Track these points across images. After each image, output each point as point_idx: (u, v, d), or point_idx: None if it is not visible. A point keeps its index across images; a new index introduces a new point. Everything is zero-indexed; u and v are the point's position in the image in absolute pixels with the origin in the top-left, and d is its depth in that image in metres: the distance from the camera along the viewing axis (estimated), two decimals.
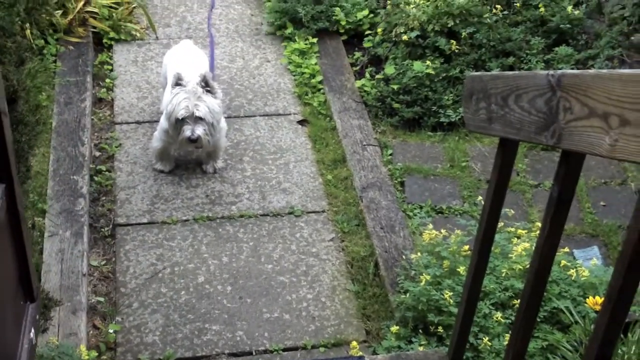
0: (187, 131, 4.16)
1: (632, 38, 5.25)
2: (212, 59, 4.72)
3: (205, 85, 4.17)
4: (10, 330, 2.19)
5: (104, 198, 4.32)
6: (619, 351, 2.67)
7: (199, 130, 4.15)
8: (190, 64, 4.45)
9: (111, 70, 5.32)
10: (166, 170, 4.48)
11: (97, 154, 4.61)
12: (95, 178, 4.41)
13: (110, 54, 5.48)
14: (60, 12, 5.29)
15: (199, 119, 4.15)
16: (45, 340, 3.22)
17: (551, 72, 1.88)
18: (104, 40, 5.54)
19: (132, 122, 4.87)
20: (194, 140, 4.17)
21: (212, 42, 4.86)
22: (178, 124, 4.17)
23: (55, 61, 5.16)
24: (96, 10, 5.50)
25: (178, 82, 4.16)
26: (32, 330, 2.34)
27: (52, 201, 4.12)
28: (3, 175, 2.10)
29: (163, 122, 4.32)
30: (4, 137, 2.05)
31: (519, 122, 2.11)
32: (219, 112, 4.26)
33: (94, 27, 5.51)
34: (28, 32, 4.86)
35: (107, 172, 4.47)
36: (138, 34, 5.64)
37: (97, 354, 3.42)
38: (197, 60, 4.59)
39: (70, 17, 5.34)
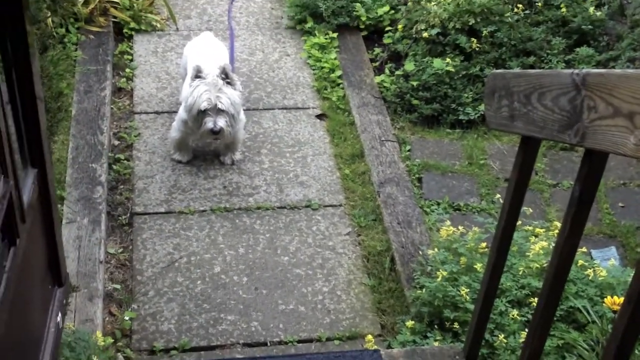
0: (209, 123, 4.17)
1: None
2: (232, 51, 4.73)
3: (225, 77, 4.18)
4: (38, 314, 2.21)
5: (122, 186, 4.34)
6: (636, 351, 2.67)
7: (221, 122, 4.17)
8: (210, 56, 4.46)
9: (131, 60, 5.34)
10: (184, 161, 4.50)
11: (116, 142, 4.64)
12: (114, 167, 4.43)
13: (130, 44, 5.50)
14: (81, 1, 5.31)
15: (220, 111, 4.17)
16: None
17: (576, 70, 1.88)
18: (125, 30, 5.56)
19: (151, 112, 4.89)
20: (216, 132, 4.18)
21: (232, 34, 4.88)
22: (199, 115, 4.18)
23: (76, 50, 5.18)
24: (117, 0, 5.52)
25: (198, 75, 4.17)
26: (59, 315, 2.36)
27: (70, 188, 4.14)
28: (36, 161, 2.12)
29: (182, 113, 4.34)
30: (38, 122, 2.07)
31: (542, 120, 2.11)
32: (240, 103, 4.27)
33: (115, 17, 5.54)
34: (50, 20, 4.89)
35: (125, 161, 4.50)
36: (158, 25, 5.66)
37: (112, 340, 3.44)
38: (217, 52, 4.60)
39: (91, 6, 5.36)
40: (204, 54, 4.50)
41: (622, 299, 1.90)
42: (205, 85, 4.15)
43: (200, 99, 4.14)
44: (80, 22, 5.34)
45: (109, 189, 4.27)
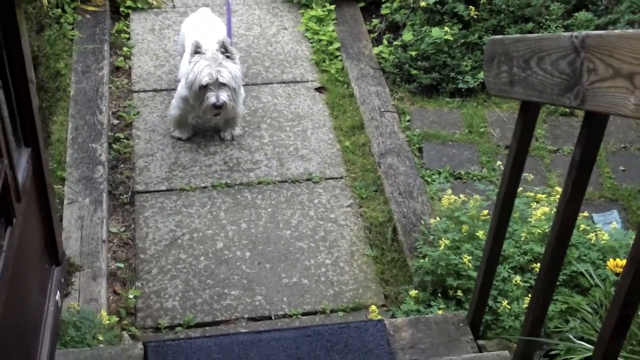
0: (211, 97, 4.15)
1: None
2: (230, 26, 4.71)
3: (225, 51, 4.17)
4: (36, 293, 2.22)
5: (122, 165, 4.34)
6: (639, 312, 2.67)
7: (224, 96, 4.15)
8: (208, 32, 4.44)
9: (128, 38, 5.32)
10: (184, 138, 4.49)
11: (115, 122, 4.63)
12: (114, 146, 4.42)
13: (127, 22, 5.48)
14: None
15: (222, 85, 4.15)
16: (66, 305, 3.25)
17: (575, 33, 1.87)
18: (121, 9, 5.53)
19: (150, 90, 4.88)
20: (219, 107, 4.17)
21: (229, 9, 4.84)
22: (201, 91, 4.16)
23: (72, 29, 5.16)
24: None
25: (197, 50, 4.15)
26: (58, 293, 2.36)
27: (71, 169, 4.14)
28: (29, 140, 2.12)
29: (181, 90, 4.32)
30: (30, 103, 2.06)
31: (541, 84, 2.11)
32: (240, 77, 4.26)
33: None
34: (45, 0, 4.86)
35: (125, 140, 4.49)
36: (155, 2, 5.63)
37: (117, 319, 3.45)
38: (215, 28, 4.58)
39: None
40: (201, 30, 4.48)
41: (624, 262, 1.90)
42: (206, 60, 4.13)
43: (201, 74, 4.13)
44: (76, 2, 5.31)
45: (109, 168, 4.27)
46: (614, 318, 1.90)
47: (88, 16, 5.29)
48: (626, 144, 4.59)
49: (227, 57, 4.16)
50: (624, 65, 1.61)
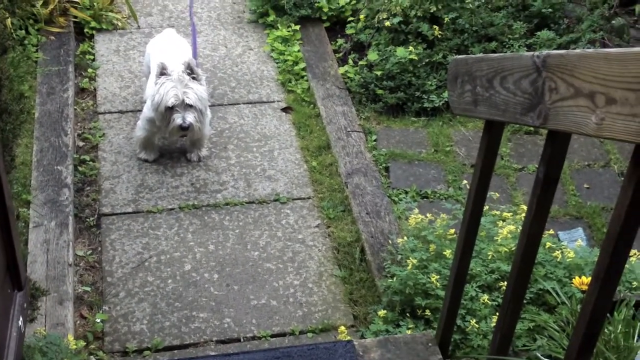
0: (178, 119, 4.14)
1: (613, 22, 5.28)
2: (195, 47, 4.70)
3: (190, 72, 4.16)
4: None
5: (88, 188, 4.31)
6: (606, 330, 2.69)
7: (190, 118, 4.14)
8: (174, 53, 4.43)
9: (93, 60, 5.29)
10: (150, 160, 4.47)
11: (81, 144, 4.60)
12: (80, 168, 4.39)
13: (92, 43, 5.45)
14: (40, 1, 5.25)
15: (188, 106, 4.14)
16: (32, 330, 3.21)
17: (536, 52, 1.89)
18: (85, 30, 5.51)
19: (115, 112, 4.85)
20: (185, 128, 4.15)
21: (194, 30, 4.85)
22: (167, 112, 4.15)
23: (36, 51, 5.13)
24: None
25: (163, 72, 4.14)
26: (20, 319, 2.33)
27: (36, 192, 4.10)
28: None
29: (147, 112, 4.31)
30: None
31: (504, 103, 2.12)
32: (206, 98, 4.25)
33: (75, 17, 5.48)
34: (9, 21, 4.83)
35: (91, 162, 4.46)
36: (120, 23, 5.62)
37: (84, 343, 3.41)
38: (180, 48, 4.57)
39: (51, 6, 5.30)
40: (167, 50, 4.47)
41: (589, 279, 1.92)
42: (172, 82, 4.12)
43: (167, 96, 4.11)
44: (40, 23, 5.28)
45: (75, 190, 4.23)
46: (580, 335, 1.91)
47: (52, 38, 5.26)
48: (590, 162, 4.64)
49: (193, 78, 4.16)
50: (585, 84, 1.63)
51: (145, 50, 4.76)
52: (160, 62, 4.16)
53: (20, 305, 2.39)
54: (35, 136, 4.46)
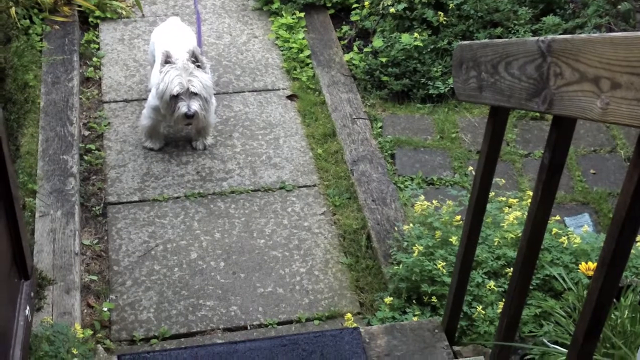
0: (183, 107, 4.13)
1: (619, 6, 5.25)
2: (200, 35, 4.69)
3: (195, 60, 4.15)
4: (5, 308, 2.19)
5: (94, 177, 4.31)
6: (612, 315, 2.69)
7: (195, 106, 4.14)
8: (178, 42, 4.42)
9: (98, 49, 5.29)
10: (156, 148, 4.47)
11: (86, 133, 4.60)
12: (85, 157, 4.40)
13: (96, 32, 5.45)
14: None
15: (193, 95, 4.13)
16: (39, 319, 3.21)
17: (541, 37, 1.88)
18: (90, 19, 5.50)
19: (121, 101, 4.85)
20: (190, 116, 4.15)
21: (198, 18, 4.83)
22: (172, 100, 4.14)
23: (41, 41, 5.13)
24: None
25: (167, 60, 4.14)
26: (27, 308, 2.34)
27: (42, 181, 4.11)
28: None
29: (152, 100, 4.30)
30: None
31: (509, 89, 2.12)
32: (212, 86, 4.25)
33: (80, 6, 5.47)
34: (13, 11, 4.83)
35: (96, 151, 4.46)
36: (124, 12, 5.61)
37: (92, 332, 3.42)
38: (185, 37, 4.56)
39: None
40: (171, 39, 4.46)
41: (596, 265, 1.91)
42: (176, 70, 4.11)
43: (172, 84, 4.11)
44: (45, 13, 5.28)
45: (81, 180, 4.24)
46: (586, 321, 1.91)
47: (57, 27, 5.26)
48: (596, 147, 4.62)
49: (198, 66, 4.15)
50: (590, 69, 1.63)
51: (150, 39, 4.75)
52: (165, 50, 4.15)
53: (27, 294, 2.39)
54: (41, 125, 4.47)
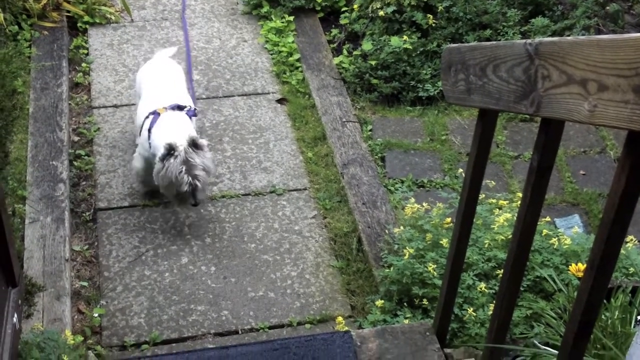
0: (190, 200, 3.87)
1: (608, 7, 5.27)
2: (188, 44, 4.60)
3: (195, 147, 3.84)
4: None
5: (84, 183, 4.30)
6: (602, 316, 2.69)
7: (201, 196, 3.90)
8: (166, 84, 4.21)
9: (87, 54, 5.28)
10: (148, 189, 4.22)
11: (76, 138, 4.58)
12: (75, 163, 4.38)
13: (85, 38, 5.44)
14: None
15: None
16: (30, 326, 3.21)
17: (529, 40, 1.88)
18: (79, 25, 5.49)
19: (110, 106, 4.84)
20: (195, 205, 3.92)
21: (185, 29, 4.79)
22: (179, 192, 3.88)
23: (29, 46, 5.11)
24: None
25: (170, 152, 3.80)
26: (15, 316, 2.33)
27: (31, 187, 4.09)
28: None
29: (143, 152, 4.05)
30: None
31: (497, 92, 2.12)
32: (214, 168, 4.01)
33: (68, 11, 5.46)
34: (1, 17, 4.81)
35: (86, 157, 4.45)
36: (113, 17, 5.60)
37: (82, 338, 3.41)
38: (173, 78, 4.31)
39: (43, 1, 5.29)
40: (159, 82, 4.22)
41: (585, 266, 1.92)
42: (180, 165, 3.78)
43: (177, 182, 3.79)
44: (33, 19, 5.26)
45: (71, 185, 4.22)
46: (576, 323, 1.91)
47: (45, 32, 5.25)
48: (586, 148, 4.63)
49: (198, 149, 3.85)
50: (577, 71, 1.63)
51: (136, 78, 4.45)
52: (166, 142, 3.79)
53: (15, 302, 2.38)
54: (30, 132, 4.45)
